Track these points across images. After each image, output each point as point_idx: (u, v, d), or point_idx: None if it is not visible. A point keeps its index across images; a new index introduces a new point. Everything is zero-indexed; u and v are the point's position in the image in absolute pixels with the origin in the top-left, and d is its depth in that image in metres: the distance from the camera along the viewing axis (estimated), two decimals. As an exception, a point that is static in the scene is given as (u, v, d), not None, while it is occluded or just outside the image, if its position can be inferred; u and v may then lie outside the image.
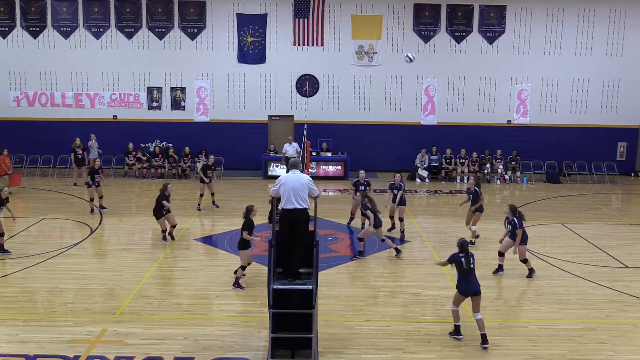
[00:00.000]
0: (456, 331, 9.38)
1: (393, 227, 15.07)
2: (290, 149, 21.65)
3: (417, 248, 14.20)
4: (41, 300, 10.80)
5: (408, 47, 22.93)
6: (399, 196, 14.55)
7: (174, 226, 14.24)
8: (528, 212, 17.63)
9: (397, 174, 14.93)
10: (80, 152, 20.87)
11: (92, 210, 16.64)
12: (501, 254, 12.23)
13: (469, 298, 9.28)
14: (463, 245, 9.38)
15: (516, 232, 11.86)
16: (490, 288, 11.51)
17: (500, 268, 12.24)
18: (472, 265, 9.28)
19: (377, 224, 12.82)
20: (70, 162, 21.55)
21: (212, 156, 18.06)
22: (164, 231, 14.13)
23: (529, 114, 23.49)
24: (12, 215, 13.61)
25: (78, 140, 20.98)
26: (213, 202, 17.49)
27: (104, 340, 9.13)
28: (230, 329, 9.63)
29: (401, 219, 14.66)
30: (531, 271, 12.14)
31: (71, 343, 9.02)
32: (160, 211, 13.89)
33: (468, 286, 9.25)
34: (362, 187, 14.74)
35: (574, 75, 23.35)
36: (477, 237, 14.30)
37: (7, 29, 22.99)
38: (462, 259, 9.24)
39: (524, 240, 12.00)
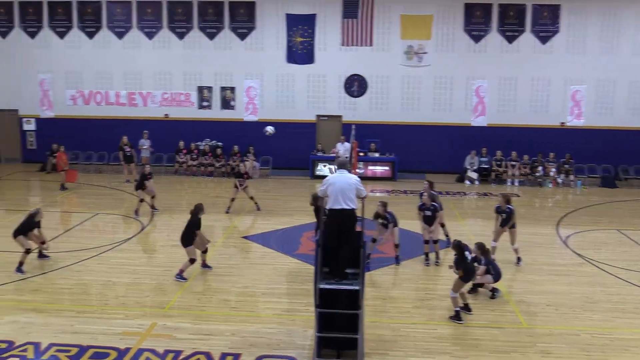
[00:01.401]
0: (459, 315, 10.02)
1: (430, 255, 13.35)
2: (342, 148, 21.66)
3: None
4: (95, 293, 11.10)
5: (458, 46, 22.64)
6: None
7: (204, 252, 12.25)
8: (582, 217, 17.28)
9: (425, 195, 13.22)
10: (129, 149, 21.32)
11: (136, 213, 16.38)
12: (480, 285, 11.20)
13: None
14: (459, 246, 10.21)
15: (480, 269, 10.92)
16: (542, 294, 11.24)
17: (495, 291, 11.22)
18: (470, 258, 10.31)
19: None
20: (138, 159, 21.91)
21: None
22: (193, 260, 11.86)
23: (583, 116, 22.84)
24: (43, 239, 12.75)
25: (125, 139, 21.45)
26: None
27: (153, 334, 9.32)
28: (276, 326, 9.69)
29: (442, 225, 13.77)
30: (493, 291, 11.00)
31: (122, 335, 9.24)
32: (191, 238, 11.85)
33: (472, 275, 10.29)
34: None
35: (631, 77, 22.54)
36: (519, 259, 12.94)
37: (65, 29, 23.72)
38: (465, 259, 10.13)
39: (496, 277, 11.08)
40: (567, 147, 22.39)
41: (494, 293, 11.00)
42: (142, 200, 16.53)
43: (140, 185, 16.46)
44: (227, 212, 16.90)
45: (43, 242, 12.68)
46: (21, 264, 11.96)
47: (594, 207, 18.74)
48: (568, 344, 9.20)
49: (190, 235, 11.83)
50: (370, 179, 21.64)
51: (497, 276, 11.11)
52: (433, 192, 13.76)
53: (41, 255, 12.78)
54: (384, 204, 12.85)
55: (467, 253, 10.26)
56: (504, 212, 12.82)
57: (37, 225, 12.45)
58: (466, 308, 10.22)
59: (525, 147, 22.34)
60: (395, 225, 12.81)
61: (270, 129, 16.28)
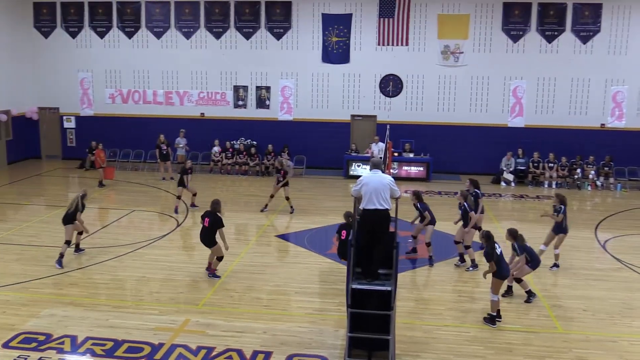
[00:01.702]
0: (494, 319, 9.86)
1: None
2: (377, 148, 21.56)
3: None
4: (130, 288, 11.29)
5: (496, 46, 22.33)
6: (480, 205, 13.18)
7: (220, 258, 11.98)
8: (621, 221, 16.86)
9: (459, 193, 13.19)
10: (165, 147, 21.64)
11: (176, 210, 16.62)
12: (519, 280, 11.04)
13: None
14: (488, 237, 10.01)
15: (516, 258, 10.83)
16: (579, 299, 11.02)
17: (530, 294, 10.98)
18: (500, 251, 9.97)
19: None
20: (174, 157, 22.50)
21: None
22: (221, 258, 11.86)
23: (624, 117, 22.29)
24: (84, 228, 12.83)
25: (162, 137, 21.78)
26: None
27: (186, 330, 9.43)
28: (307, 325, 9.70)
29: (479, 228, 13.17)
30: (529, 294, 10.85)
31: (156, 331, 9.37)
32: (214, 237, 11.73)
33: (505, 270, 9.97)
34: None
35: (676, 77, 21.94)
36: (556, 265, 12.65)
37: (104, 29, 24.20)
38: (495, 250, 9.87)
39: (534, 265, 10.87)
40: (607, 149, 21.89)
41: (529, 297, 10.81)
42: (179, 197, 16.75)
43: (182, 181, 16.66)
44: (262, 211, 16.97)
45: (81, 233, 12.91)
46: (62, 255, 12.22)
47: (635, 210, 18.27)
48: (605, 351, 8.99)
49: (214, 234, 11.69)
50: (404, 180, 21.50)
51: (535, 264, 10.83)
52: (477, 191, 13.33)
53: (77, 249, 13.03)
54: (415, 194, 12.95)
55: (497, 245, 10.00)
56: (556, 212, 12.54)
57: (82, 209, 12.56)
58: (497, 315, 9.96)
59: (564, 148, 21.93)
60: (432, 222, 12.72)
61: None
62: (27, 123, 24.79)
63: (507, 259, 10.48)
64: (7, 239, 14.08)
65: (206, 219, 11.81)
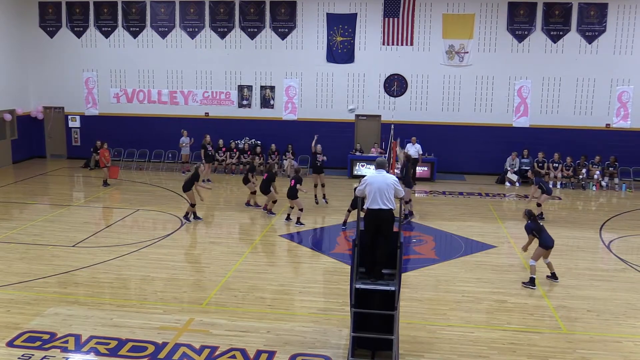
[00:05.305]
0: (531, 282, 11.44)
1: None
2: (412, 149, 21.33)
3: (504, 254, 13.77)
4: (134, 288, 11.30)
5: (501, 46, 22.29)
6: None
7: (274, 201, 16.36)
8: (626, 222, 16.80)
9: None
10: (211, 148, 21.56)
11: (256, 205, 17.79)
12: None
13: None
14: (530, 214, 11.94)
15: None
16: (583, 299, 10.98)
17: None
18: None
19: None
20: (179, 157, 23.22)
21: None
22: (275, 201, 16.27)
23: (630, 117, 22.22)
24: (201, 197, 15.86)
25: (208, 137, 21.60)
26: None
27: (190, 329, 9.44)
28: (311, 325, 9.70)
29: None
30: (553, 277, 11.91)
31: (160, 330, 9.38)
32: (270, 188, 16.34)
33: (551, 241, 11.55)
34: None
35: (682, 77, 21.85)
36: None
37: (109, 29, 24.25)
38: (537, 222, 11.73)
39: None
40: (612, 149, 21.83)
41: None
42: (253, 193, 17.79)
43: (247, 179, 17.79)
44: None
45: (193, 206, 15.64)
46: (187, 213, 15.69)
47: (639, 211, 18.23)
48: (609, 351, 8.96)
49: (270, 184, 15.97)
50: (408, 180, 21.42)
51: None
52: (536, 178, 16.11)
53: (195, 217, 15.76)
54: (406, 156, 15.40)
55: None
56: None
57: (197, 178, 15.64)
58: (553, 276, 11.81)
59: (569, 148, 21.88)
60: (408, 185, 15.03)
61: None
62: (32, 122, 24.88)
63: None
64: (12, 237, 14.13)
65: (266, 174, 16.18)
